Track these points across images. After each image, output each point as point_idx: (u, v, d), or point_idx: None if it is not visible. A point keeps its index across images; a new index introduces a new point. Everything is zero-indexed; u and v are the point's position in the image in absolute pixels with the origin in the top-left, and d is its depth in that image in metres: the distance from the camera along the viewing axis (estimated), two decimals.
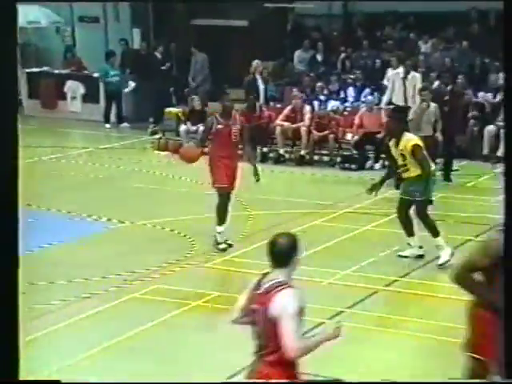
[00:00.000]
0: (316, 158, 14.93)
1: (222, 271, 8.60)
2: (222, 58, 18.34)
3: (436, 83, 15.34)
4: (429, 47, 17.29)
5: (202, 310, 7.56)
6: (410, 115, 11.82)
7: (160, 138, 15.96)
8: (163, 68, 17.92)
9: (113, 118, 17.82)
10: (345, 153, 14.65)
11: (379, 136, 14.41)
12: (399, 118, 9.35)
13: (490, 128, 14.79)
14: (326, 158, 14.79)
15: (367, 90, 16.00)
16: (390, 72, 16.43)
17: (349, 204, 11.30)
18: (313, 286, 8.11)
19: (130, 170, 13.75)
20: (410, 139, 8.66)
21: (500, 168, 14.04)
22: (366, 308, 7.54)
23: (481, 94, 15.43)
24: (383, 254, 9.04)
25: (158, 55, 18.04)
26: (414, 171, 8.57)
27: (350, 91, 16.20)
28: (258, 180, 9.40)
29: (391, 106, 13.88)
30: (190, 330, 7.15)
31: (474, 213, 11.02)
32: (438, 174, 13.42)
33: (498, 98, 15.14)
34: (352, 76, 16.50)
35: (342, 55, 17.53)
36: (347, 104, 16.04)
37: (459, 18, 17.43)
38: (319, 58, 17.86)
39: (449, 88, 14.34)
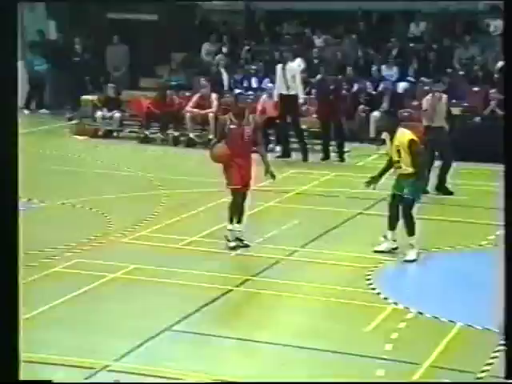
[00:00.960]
0: None
1: (137, 246, 8.45)
2: (134, 49, 18.05)
3: (321, 75, 15.63)
4: (322, 42, 17.52)
5: (120, 281, 7.40)
6: (424, 106, 11.19)
7: (77, 124, 15.60)
8: (78, 58, 17.57)
9: (32, 104, 17.37)
10: None
11: (279, 121, 14.54)
12: (393, 115, 8.72)
13: (375, 114, 15.15)
14: None
15: (267, 80, 16.12)
16: (288, 64, 16.54)
17: (254, 183, 11.31)
18: (222, 258, 8.10)
19: (49, 153, 13.32)
20: (406, 134, 7.96)
21: (385, 148, 14.45)
22: (270, 276, 7.58)
23: (367, 83, 15.77)
24: (285, 227, 9.11)
25: (77, 46, 17.67)
26: (405, 169, 7.90)
27: (253, 81, 16.29)
28: (273, 178, 8.59)
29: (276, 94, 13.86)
30: (108, 300, 6.99)
31: (364, 189, 11.22)
32: (334, 154, 13.69)
33: (381, 87, 15.54)
34: (254, 67, 16.57)
35: (246, 48, 17.55)
36: (250, 92, 16.12)
37: (347, 16, 17.73)
38: (225, 50, 17.83)
39: (334, 78, 14.54)
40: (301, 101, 13.89)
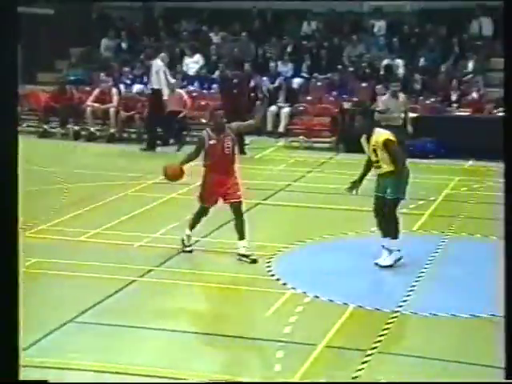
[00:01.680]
0: (125, 135, 14.76)
1: (39, 240, 8.18)
2: (30, 43, 17.39)
3: (220, 71, 15.69)
4: (219, 39, 17.57)
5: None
6: (380, 106, 10.50)
7: None
8: None
9: None
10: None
11: (181, 115, 14.56)
12: (365, 114, 7.81)
13: (273, 108, 15.36)
14: (134, 136, 14.64)
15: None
16: (186, 59, 16.49)
17: (155, 176, 11.23)
18: (125, 249, 7.98)
19: None
20: (382, 134, 7.35)
21: (283, 141, 14.70)
22: (173, 266, 7.54)
23: (264, 79, 15.96)
24: (187, 217, 9.08)
25: None
26: (386, 168, 7.27)
27: None
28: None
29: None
30: None
31: (262, 180, 11.42)
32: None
33: (277, 82, 15.77)
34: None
35: (145, 44, 17.35)
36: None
37: (243, 14, 17.87)
38: (124, 45, 17.55)
39: (236, 73, 14.64)
40: (165, 97, 14.07)
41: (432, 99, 14.62)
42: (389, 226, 7.30)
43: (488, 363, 5.31)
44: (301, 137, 14.56)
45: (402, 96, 10.67)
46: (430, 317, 6.17)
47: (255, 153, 13.72)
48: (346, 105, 14.57)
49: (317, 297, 6.62)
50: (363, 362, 5.32)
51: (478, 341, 5.83)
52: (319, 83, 15.99)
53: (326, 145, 14.38)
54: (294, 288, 6.84)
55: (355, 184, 7.60)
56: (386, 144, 7.23)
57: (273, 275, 7.22)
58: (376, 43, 16.82)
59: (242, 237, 7.63)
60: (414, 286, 6.89)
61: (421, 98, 14.81)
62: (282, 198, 10.37)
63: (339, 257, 7.79)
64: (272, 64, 16.26)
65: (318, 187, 10.95)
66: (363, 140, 7.45)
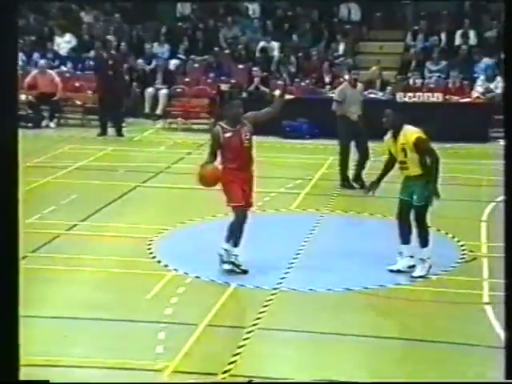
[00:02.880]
0: None
1: None
2: None
3: (95, 51, 15.28)
4: (91, 18, 17.08)
5: None
6: (336, 95, 9.85)
7: None
8: None
9: None
10: (20, 112, 13.98)
11: (55, 98, 14.08)
12: (398, 110, 6.94)
13: (150, 90, 15.17)
14: None
15: (37, 55, 15.41)
16: (57, 39, 15.89)
17: (28, 159, 10.80)
18: None
19: None
20: (412, 131, 6.60)
21: (161, 123, 14.54)
22: (50, 251, 7.32)
23: (140, 60, 15.70)
24: (64, 201, 8.83)
25: None
26: (413, 170, 6.60)
27: (20, 55, 15.43)
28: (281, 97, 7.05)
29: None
30: None
31: (142, 162, 11.29)
32: (111, 130, 13.47)
33: (153, 64, 15.56)
34: (20, 41, 15.69)
35: None
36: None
37: None
38: None
39: (111, 54, 14.30)
40: None
41: (306, 81, 14.99)
42: (420, 234, 6.66)
43: (359, 333, 5.59)
44: (179, 119, 14.48)
45: (359, 85, 10.02)
46: (308, 292, 6.38)
47: (134, 135, 13.52)
48: (224, 86, 14.64)
49: (198, 277, 6.66)
50: (244, 339, 5.43)
51: (351, 312, 6.10)
52: (196, 65, 15.94)
53: (205, 126, 14.40)
54: (175, 269, 6.85)
55: (374, 184, 7.07)
56: (417, 143, 6.52)
57: (154, 257, 7.18)
58: (250, 26, 16.98)
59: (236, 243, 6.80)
60: (292, 263, 7.09)
61: (296, 79, 15.15)
62: (162, 180, 10.29)
63: (220, 237, 7.86)
64: (148, 45, 16.01)
65: (198, 169, 10.95)
66: (388, 137, 6.75)
